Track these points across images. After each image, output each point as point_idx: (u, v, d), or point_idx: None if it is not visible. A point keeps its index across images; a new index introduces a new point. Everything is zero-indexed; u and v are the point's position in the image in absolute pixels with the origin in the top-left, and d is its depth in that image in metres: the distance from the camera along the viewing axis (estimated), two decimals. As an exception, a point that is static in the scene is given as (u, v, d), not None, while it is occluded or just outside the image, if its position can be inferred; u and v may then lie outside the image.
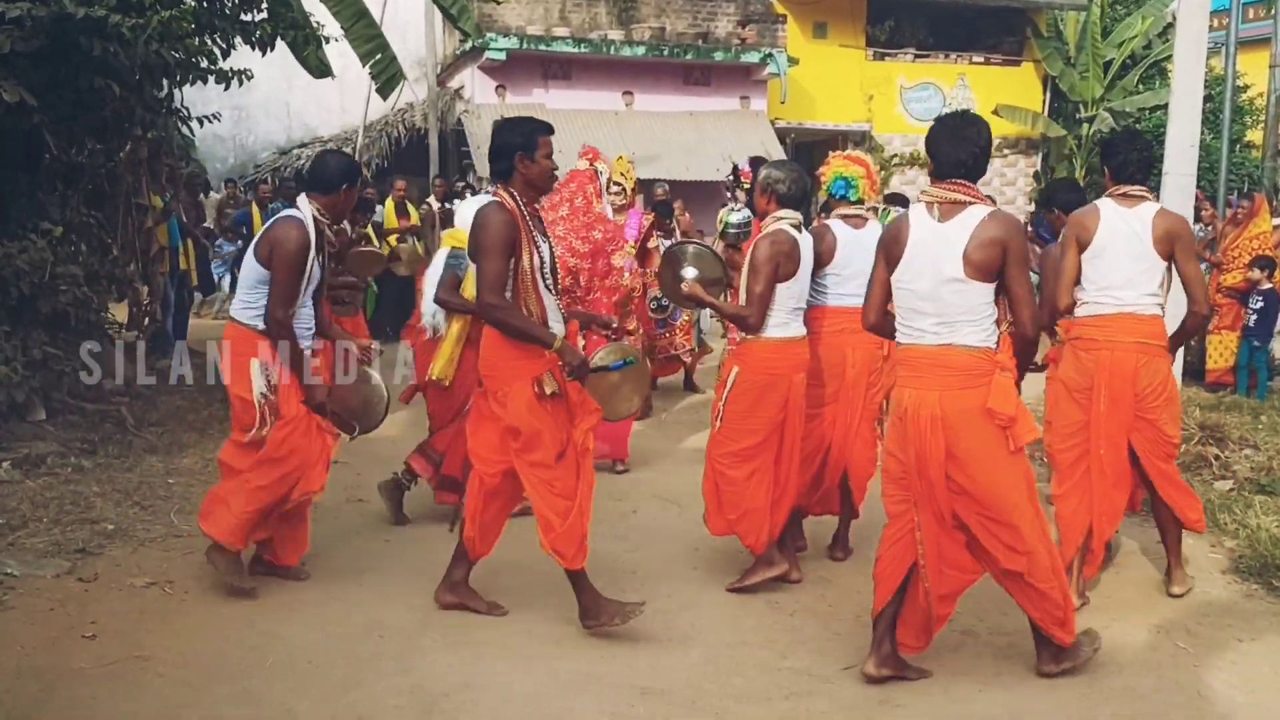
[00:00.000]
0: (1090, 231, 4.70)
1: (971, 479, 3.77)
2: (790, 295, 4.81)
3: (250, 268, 4.65)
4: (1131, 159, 4.77)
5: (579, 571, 4.34)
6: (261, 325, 4.59)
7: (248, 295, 4.66)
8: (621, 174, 7.62)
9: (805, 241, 4.87)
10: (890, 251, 3.93)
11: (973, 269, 3.73)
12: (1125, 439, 4.72)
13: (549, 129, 4.32)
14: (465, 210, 6.02)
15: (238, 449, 4.74)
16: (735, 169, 9.16)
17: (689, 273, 5.28)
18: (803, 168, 5.09)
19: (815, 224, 5.35)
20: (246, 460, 4.68)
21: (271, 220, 4.74)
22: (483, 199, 6.11)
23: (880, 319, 4.11)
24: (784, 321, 4.81)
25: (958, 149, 3.87)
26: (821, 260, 5.05)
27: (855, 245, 5.09)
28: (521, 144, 4.21)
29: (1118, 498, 4.79)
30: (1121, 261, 4.66)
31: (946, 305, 3.77)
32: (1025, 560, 3.83)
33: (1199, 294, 4.72)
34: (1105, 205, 4.75)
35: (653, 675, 4.04)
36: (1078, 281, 4.78)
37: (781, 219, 4.81)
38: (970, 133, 3.91)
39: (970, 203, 3.82)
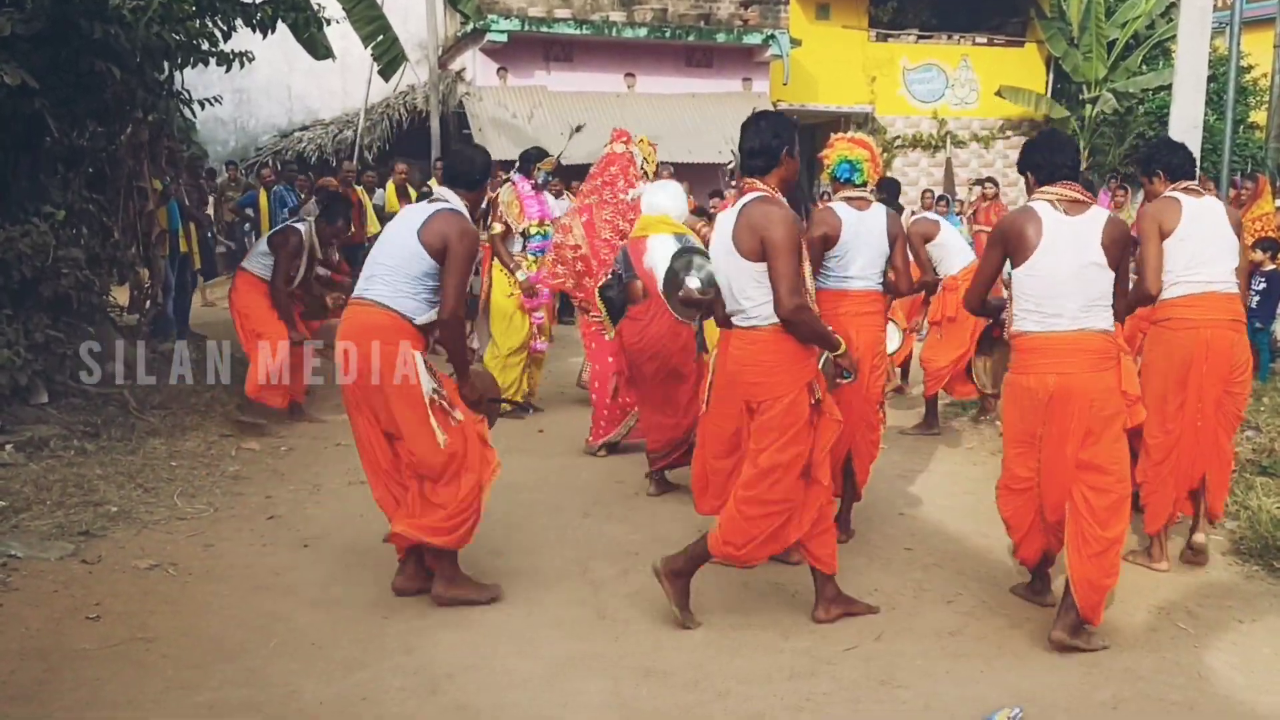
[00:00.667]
0: (1173, 220, 4.96)
1: (1096, 454, 4.07)
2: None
3: (411, 255, 4.29)
4: (1187, 160, 5.22)
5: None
6: (423, 319, 4.32)
7: (408, 285, 4.30)
8: (645, 158, 7.64)
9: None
10: (1018, 244, 4.15)
11: (1107, 259, 4.07)
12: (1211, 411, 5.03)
13: (798, 124, 4.43)
14: (660, 197, 6.22)
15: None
16: (734, 155, 9.10)
17: (692, 283, 5.19)
18: (804, 150, 5.08)
19: (819, 207, 5.34)
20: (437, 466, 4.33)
21: (436, 210, 4.39)
22: (669, 183, 6.40)
23: (981, 303, 4.61)
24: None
25: (1064, 156, 4.23)
26: (826, 243, 5.03)
27: (859, 227, 5.08)
28: (789, 140, 4.22)
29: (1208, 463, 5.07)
30: (1207, 243, 4.97)
31: (1088, 289, 4.06)
32: (1118, 532, 4.11)
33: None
34: (1179, 197, 5.05)
35: (656, 656, 4.06)
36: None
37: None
38: (1068, 143, 4.37)
39: (1089, 202, 4.17)
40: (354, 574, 4.83)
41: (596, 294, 6.40)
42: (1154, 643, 4.26)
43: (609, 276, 6.28)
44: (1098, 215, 4.13)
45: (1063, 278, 4.06)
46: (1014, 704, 3.66)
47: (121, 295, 8.73)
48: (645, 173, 7.44)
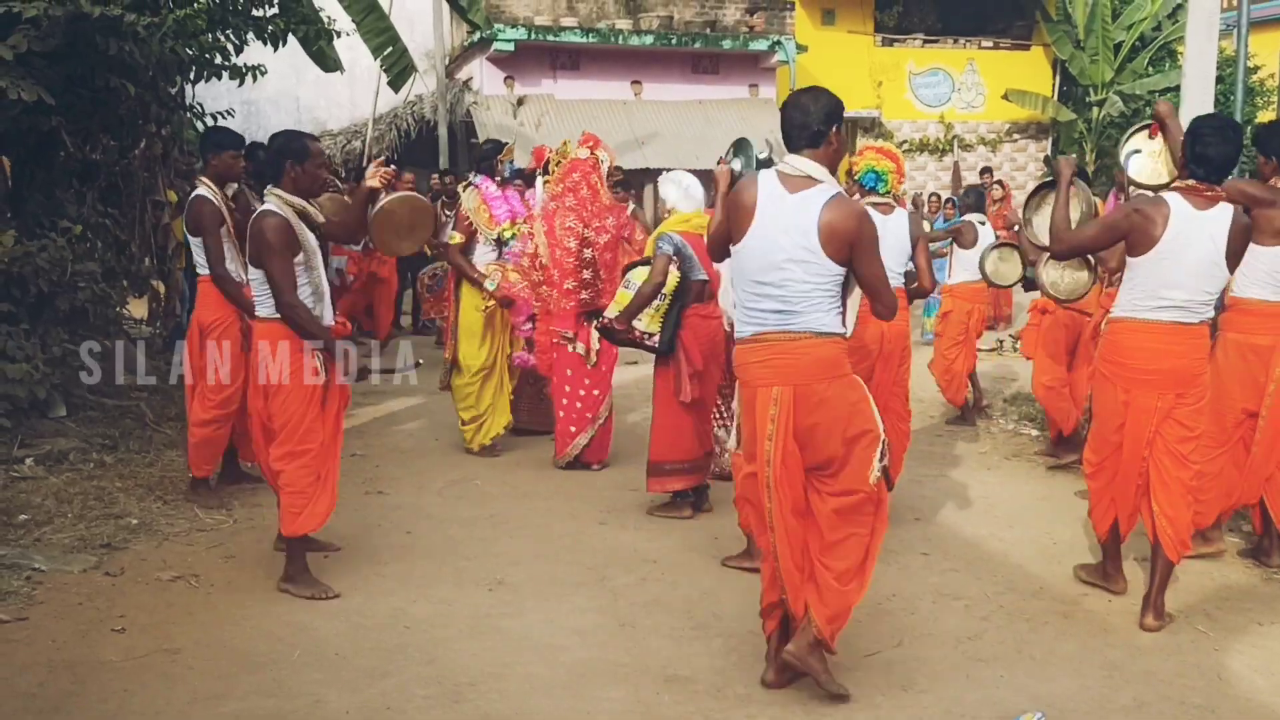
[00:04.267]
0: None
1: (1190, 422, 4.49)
2: None
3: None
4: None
5: None
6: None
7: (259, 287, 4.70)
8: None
9: None
10: (1146, 230, 4.33)
11: (1229, 255, 4.33)
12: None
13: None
14: (670, 189, 6.01)
15: None
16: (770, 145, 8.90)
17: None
18: None
19: None
20: None
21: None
22: (682, 174, 6.11)
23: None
24: None
25: (1231, 149, 4.35)
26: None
27: (883, 230, 5.21)
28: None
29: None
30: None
31: (1208, 284, 4.34)
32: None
33: None
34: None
35: (677, 663, 4.07)
36: None
37: None
38: (1235, 136, 4.42)
39: (1219, 197, 4.33)
40: (374, 584, 4.86)
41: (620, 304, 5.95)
42: (1174, 646, 4.27)
43: (676, 275, 5.76)
44: (1226, 209, 4.34)
45: (1191, 270, 4.33)
46: (1035, 708, 3.67)
47: (138, 308, 8.77)
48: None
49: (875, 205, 5.52)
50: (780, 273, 3.62)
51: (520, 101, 17.59)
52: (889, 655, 4.16)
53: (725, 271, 5.09)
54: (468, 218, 7.17)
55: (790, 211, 3.62)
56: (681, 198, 5.94)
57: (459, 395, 7.27)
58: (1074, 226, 4.75)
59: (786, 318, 3.63)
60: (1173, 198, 4.36)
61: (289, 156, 4.62)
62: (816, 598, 3.70)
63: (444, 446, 7.50)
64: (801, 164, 3.68)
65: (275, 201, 4.57)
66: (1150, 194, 4.62)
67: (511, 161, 7.65)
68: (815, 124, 3.71)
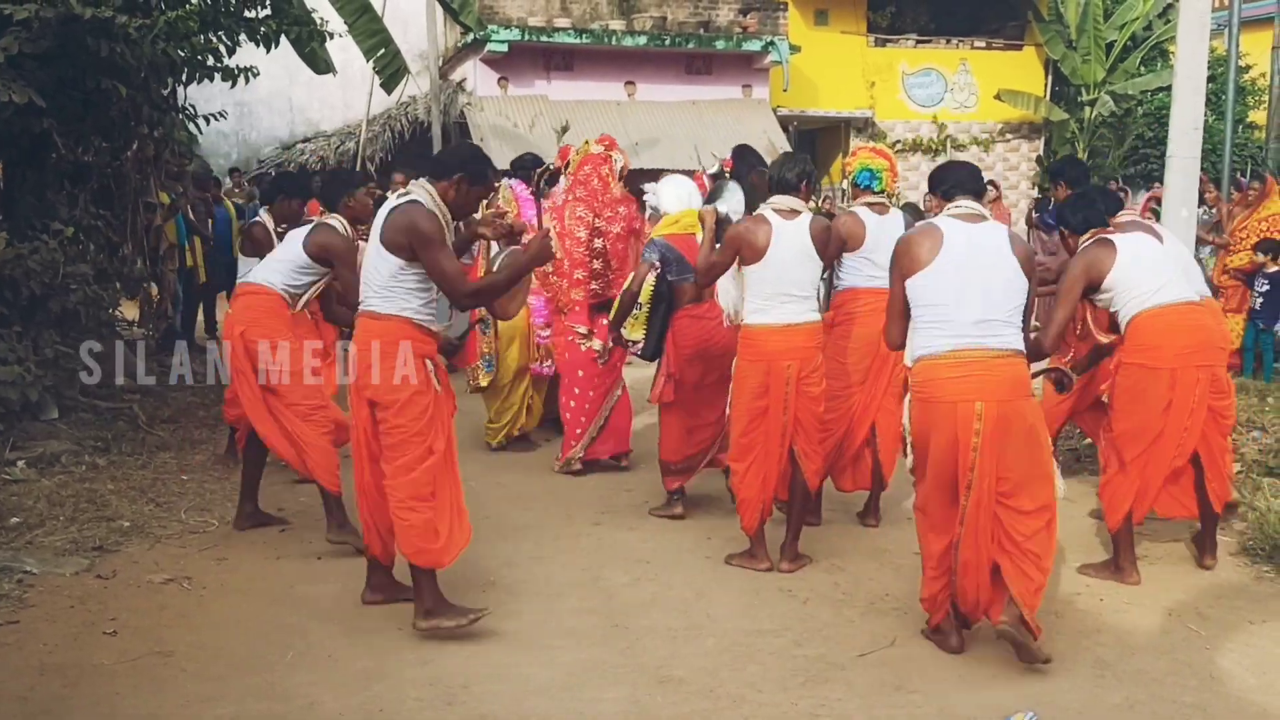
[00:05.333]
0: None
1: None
2: (763, 280, 4.88)
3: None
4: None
5: None
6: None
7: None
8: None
9: (787, 228, 4.87)
10: (1104, 267, 4.84)
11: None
12: None
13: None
14: (654, 194, 6.17)
15: None
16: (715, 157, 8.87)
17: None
18: (807, 155, 5.26)
19: (829, 210, 5.53)
20: None
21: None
22: (681, 179, 6.26)
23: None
24: (761, 308, 4.91)
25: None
26: (851, 245, 5.41)
27: (881, 230, 5.45)
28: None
29: None
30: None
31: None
32: None
33: None
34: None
35: (670, 664, 4.08)
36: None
37: (768, 204, 4.98)
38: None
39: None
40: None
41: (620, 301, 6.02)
42: (1165, 645, 4.28)
43: (655, 279, 5.84)
44: None
45: None
46: (1028, 708, 3.67)
47: (130, 310, 8.77)
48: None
49: (870, 205, 5.56)
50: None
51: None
52: (882, 655, 4.16)
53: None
54: (505, 210, 7.33)
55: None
56: (671, 200, 6.02)
57: (495, 394, 7.43)
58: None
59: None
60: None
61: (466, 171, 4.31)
62: (1018, 576, 3.99)
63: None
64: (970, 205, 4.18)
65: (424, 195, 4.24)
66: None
67: (546, 181, 7.81)
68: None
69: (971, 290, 3.96)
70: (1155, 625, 4.47)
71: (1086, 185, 5.85)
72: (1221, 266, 9.82)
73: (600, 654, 4.17)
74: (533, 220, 7.54)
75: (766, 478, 4.98)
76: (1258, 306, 9.39)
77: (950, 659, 4.14)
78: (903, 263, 4.11)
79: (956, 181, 4.25)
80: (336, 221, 5.60)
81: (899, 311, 4.18)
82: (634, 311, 5.86)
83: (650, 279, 5.80)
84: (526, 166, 7.87)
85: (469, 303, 4.41)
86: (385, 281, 4.20)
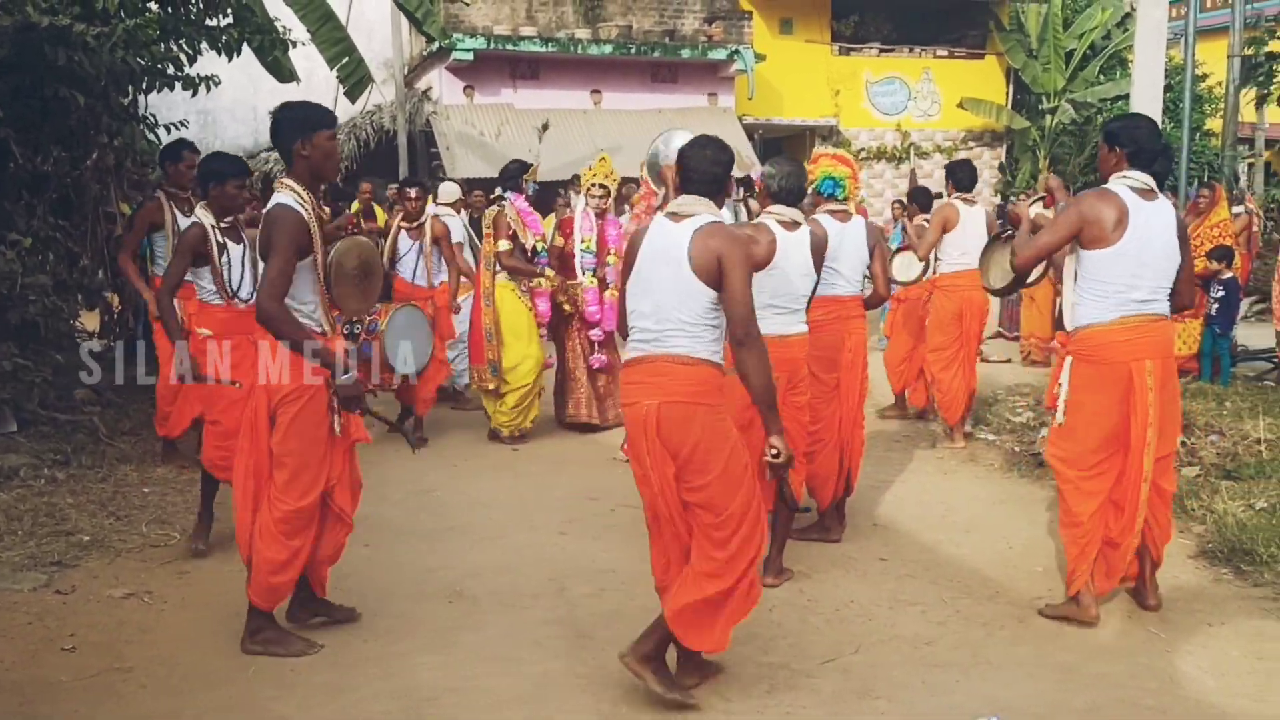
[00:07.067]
0: None
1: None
2: (759, 291, 4.76)
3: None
4: None
5: None
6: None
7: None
8: (606, 175, 7.81)
9: (790, 239, 4.87)
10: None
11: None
12: None
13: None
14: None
15: None
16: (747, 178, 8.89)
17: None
18: (801, 163, 5.27)
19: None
20: None
21: None
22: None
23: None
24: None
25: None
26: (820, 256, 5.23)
27: (843, 238, 5.48)
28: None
29: None
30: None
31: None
32: None
33: None
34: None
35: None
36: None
37: (770, 214, 4.95)
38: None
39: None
40: (332, 598, 4.79)
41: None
42: (1127, 648, 4.32)
43: None
44: None
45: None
46: (991, 713, 3.70)
47: (90, 321, 8.66)
48: (607, 191, 7.95)
49: (833, 213, 5.54)
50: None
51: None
52: (846, 661, 4.18)
53: None
54: (511, 228, 7.73)
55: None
56: None
57: (506, 390, 7.73)
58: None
59: None
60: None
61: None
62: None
63: (403, 457, 7.44)
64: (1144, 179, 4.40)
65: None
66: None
67: (535, 182, 8.19)
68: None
69: (1146, 272, 4.35)
70: (1117, 629, 4.51)
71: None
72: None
73: (566, 665, 4.16)
74: (536, 229, 7.88)
75: None
76: (1214, 312, 9.50)
77: (916, 664, 4.16)
78: (1090, 231, 4.35)
79: (1137, 148, 4.41)
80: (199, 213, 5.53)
81: (1045, 251, 4.54)
82: None
83: None
84: (514, 176, 7.98)
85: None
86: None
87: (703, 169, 3.81)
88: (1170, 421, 4.51)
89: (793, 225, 4.90)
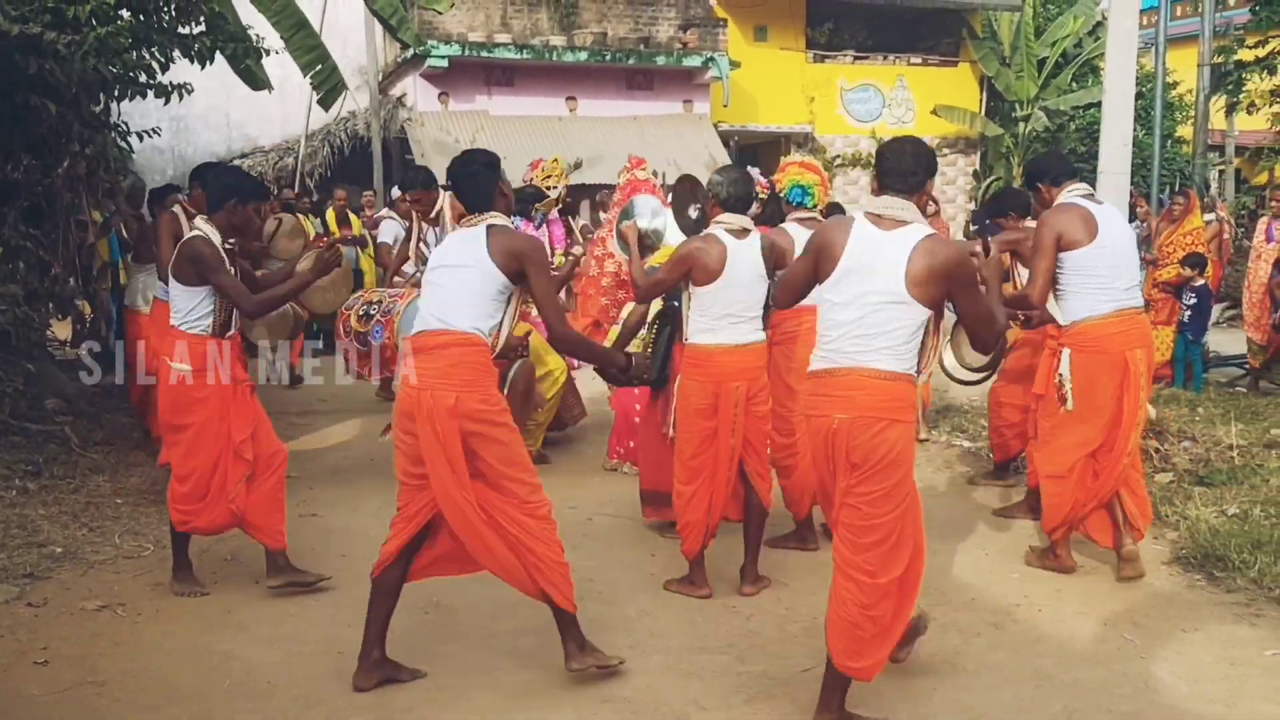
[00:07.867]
0: None
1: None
2: (715, 301, 4.78)
3: None
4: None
5: None
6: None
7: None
8: (558, 175, 7.80)
9: (740, 247, 4.80)
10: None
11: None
12: None
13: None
14: (659, 222, 6.44)
15: None
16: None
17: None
18: (746, 168, 5.26)
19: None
20: None
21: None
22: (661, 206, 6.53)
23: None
24: (710, 327, 4.81)
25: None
26: (783, 262, 5.04)
27: None
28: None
29: None
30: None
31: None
32: None
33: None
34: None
35: (613, 683, 4.06)
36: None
37: (719, 223, 4.86)
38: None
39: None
40: (307, 609, 4.79)
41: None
42: (1102, 655, 4.35)
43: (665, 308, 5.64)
44: None
45: None
46: (968, 719, 3.72)
47: (62, 330, 8.59)
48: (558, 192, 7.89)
49: (802, 221, 5.47)
50: None
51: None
52: (823, 670, 4.18)
53: None
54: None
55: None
56: (674, 232, 6.10)
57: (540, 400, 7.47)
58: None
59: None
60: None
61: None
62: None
63: (380, 467, 7.40)
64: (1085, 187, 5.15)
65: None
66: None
67: (545, 213, 8.05)
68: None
69: (1124, 261, 5.02)
70: (1092, 635, 4.55)
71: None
72: (1151, 280, 10.03)
73: (544, 675, 4.14)
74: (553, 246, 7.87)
75: (714, 501, 4.93)
76: (1186, 319, 9.61)
77: (891, 672, 4.16)
78: (1068, 236, 4.94)
79: (1063, 169, 5.25)
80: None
81: (1047, 275, 5.02)
82: (641, 331, 5.89)
83: (656, 304, 5.66)
84: (528, 202, 7.78)
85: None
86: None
87: (904, 167, 3.68)
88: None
89: (742, 233, 4.82)
